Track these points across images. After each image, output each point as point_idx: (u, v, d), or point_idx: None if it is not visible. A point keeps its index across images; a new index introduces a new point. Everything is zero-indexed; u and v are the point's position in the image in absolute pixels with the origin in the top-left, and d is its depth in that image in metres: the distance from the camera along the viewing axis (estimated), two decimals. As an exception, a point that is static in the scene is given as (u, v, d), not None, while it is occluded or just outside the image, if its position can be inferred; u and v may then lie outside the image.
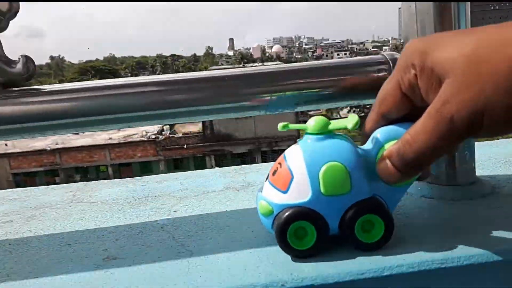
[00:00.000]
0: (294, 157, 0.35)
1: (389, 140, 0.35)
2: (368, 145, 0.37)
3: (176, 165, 17.26)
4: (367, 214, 0.34)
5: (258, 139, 17.26)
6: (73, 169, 16.20)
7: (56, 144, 15.02)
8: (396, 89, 0.34)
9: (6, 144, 13.71)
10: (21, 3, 0.38)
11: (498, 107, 0.27)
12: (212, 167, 16.08)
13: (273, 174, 0.36)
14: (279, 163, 0.36)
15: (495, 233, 0.36)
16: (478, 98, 0.28)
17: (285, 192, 0.35)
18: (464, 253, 0.33)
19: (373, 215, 0.35)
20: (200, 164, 17.15)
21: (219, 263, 0.35)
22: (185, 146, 17.19)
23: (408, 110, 0.35)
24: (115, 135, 17.06)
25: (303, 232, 0.35)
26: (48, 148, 14.88)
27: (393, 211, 0.36)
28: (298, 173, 0.35)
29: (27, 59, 0.40)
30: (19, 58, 0.40)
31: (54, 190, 0.59)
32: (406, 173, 0.33)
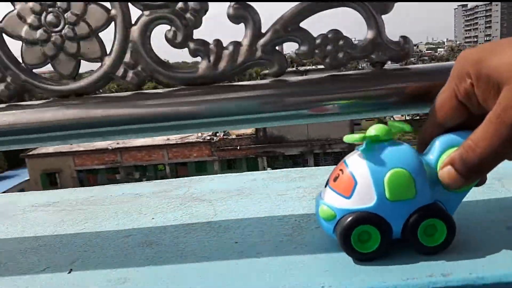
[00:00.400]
0: (357, 163, 0.37)
1: (448, 148, 0.36)
2: (427, 153, 0.37)
3: (230, 165, 17.55)
4: (430, 218, 0.35)
5: (311, 141, 17.15)
6: (133, 167, 16.97)
7: (117, 143, 15.76)
8: (452, 98, 0.35)
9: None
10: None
11: None
12: (264, 168, 16.19)
13: (334, 180, 0.38)
14: (341, 170, 0.38)
15: None
16: None
17: (348, 197, 0.36)
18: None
19: (436, 219, 0.35)
20: (252, 165, 17.32)
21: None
22: (238, 147, 17.45)
23: (464, 118, 0.36)
24: (172, 136, 17.62)
25: (367, 236, 0.36)
26: (110, 147, 15.65)
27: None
28: (362, 179, 0.36)
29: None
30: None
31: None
32: (469, 178, 0.34)
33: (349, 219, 0.36)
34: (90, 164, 15.59)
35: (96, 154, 15.66)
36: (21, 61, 0.42)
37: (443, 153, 0.36)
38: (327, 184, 0.39)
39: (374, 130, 0.37)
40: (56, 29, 0.41)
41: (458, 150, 0.34)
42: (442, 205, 0.37)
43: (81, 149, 15.35)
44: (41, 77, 0.42)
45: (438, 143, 0.37)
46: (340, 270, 0.35)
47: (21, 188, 15.13)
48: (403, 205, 0.35)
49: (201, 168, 17.11)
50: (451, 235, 0.36)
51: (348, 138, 0.36)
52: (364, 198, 0.36)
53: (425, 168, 0.36)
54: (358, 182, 0.36)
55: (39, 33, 0.41)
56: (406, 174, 0.35)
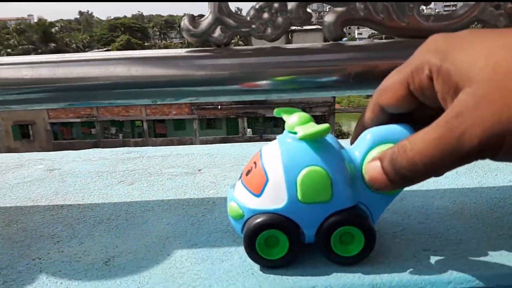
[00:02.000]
0: (271, 157, 0.32)
1: (379, 143, 0.31)
2: (354, 147, 0.32)
3: (209, 125, 17.38)
4: (346, 225, 0.31)
5: (292, 104, 17.09)
6: (110, 122, 16.62)
7: (94, 96, 15.37)
8: (402, 85, 0.30)
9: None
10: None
11: None
12: (244, 129, 16.14)
13: (247, 174, 0.33)
14: (254, 162, 0.33)
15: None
16: (500, 117, 0.23)
17: (258, 195, 0.31)
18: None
19: (353, 227, 0.31)
20: (232, 126, 17.22)
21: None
22: (219, 107, 17.24)
23: (412, 108, 0.30)
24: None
25: (275, 240, 0.31)
26: (86, 100, 15.24)
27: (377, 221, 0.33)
28: (273, 176, 0.31)
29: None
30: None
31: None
32: (395, 183, 0.28)
33: (255, 222, 0.31)
34: (64, 117, 15.20)
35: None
36: None
37: (372, 149, 0.31)
38: (240, 177, 0.34)
39: (296, 117, 0.32)
40: None
41: (392, 148, 0.29)
42: (365, 208, 0.32)
43: (56, 100, 14.92)
44: None
45: (369, 136, 0.32)
46: (242, 278, 0.31)
47: (-8, 138, 14.73)
48: (317, 209, 0.31)
49: (180, 127, 16.91)
50: (369, 246, 0.31)
51: (304, 134, 0.29)
52: (274, 198, 0.31)
53: (347, 166, 0.31)
54: (270, 179, 0.31)
55: None
56: (322, 173, 0.30)
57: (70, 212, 0.42)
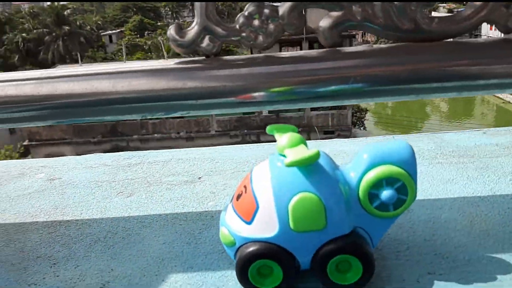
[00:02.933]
0: (261, 181, 0.30)
1: (378, 164, 0.29)
2: (352, 166, 0.30)
3: (225, 103, 17.33)
4: (342, 254, 0.29)
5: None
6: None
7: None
8: None
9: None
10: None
11: None
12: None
13: (237, 198, 0.31)
14: (245, 186, 0.31)
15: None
16: None
17: (249, 223, 0.30)
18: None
19: (350, 255, 0.29)
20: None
21: None
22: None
23: None
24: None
25: (268, 269, 0.30)
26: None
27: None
28: (264, 203, 0.29)
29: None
30: None
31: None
32: None
33: (246, 251, 0.30)
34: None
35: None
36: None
37: (369, 170, 0.29)
38: (231, 200, 0.33)
39: (286, 139, 0.30)
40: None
41: None
42: (363, 233, 0.30)
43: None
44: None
45: (366, 156, 0.30)
46: (236, 308, 0.30)
47: None
48: (311, 237, 0.29)
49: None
50: (368, 275, 0.30)
51: (291, 162, 0.28)
52: (265, 226, 0.29)
53: (342, 189, 0.29)
54: (260, 206, 0.30)
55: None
56: (314, 200, 0.28)
57: (68, 229, 0.42)
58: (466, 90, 0.37)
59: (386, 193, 0.29)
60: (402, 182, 0.29)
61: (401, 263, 0.33)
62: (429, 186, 0.44)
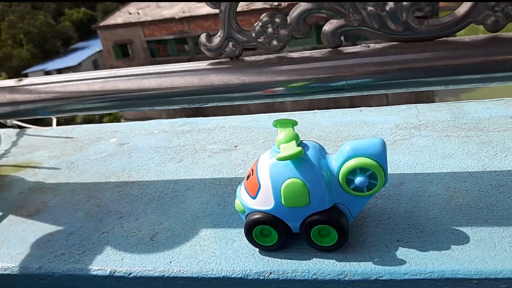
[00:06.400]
0: (263, 168, 0.39)
1: (355, 155, 0.37)
2: (336, 156, 0.39)
3: (297, 34, 16.91)
4: (322, 224, 0.38)
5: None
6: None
7: (183, 12, 15.63)
8: None
9: (138, 13, 14.65)
10: None
11: None
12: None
13: (247, 178, 0.41)
14: (252, 170, 0.41)
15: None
16: None
17: (254, 197, 0.40)
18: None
19: (328, 226, 0.38)
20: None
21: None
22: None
23: None
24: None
25: (268, 232, 0.40)
26: (177, 17, 15.62)
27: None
28: (264, 184, 0.39)
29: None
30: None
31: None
32: None
33: (251, 218, 0.40)
34: (159, 35, 15.85)
35: (164, 24, 15.77)
36: None
37: (347, 160, 0.37)
38: (244, 178, 0.43)
39: (282, 135, 0.39)
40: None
41: None
42: (343, 207, 0.39)
43: (149, 18, 15.46)
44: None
45: (347, 147, 0.38)
46: (244, 258, 0.41)
47: (95, 58, 15.99)
48: (298, 211, 0.39)
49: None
50: (342, 240, 0.39)
51: (279, 158, 0.37)
52: (265, 201, 0.39)
53: (324, 175, 0.38)
54: (261, 186, 0.39)
55: None
56: (300, 184, 0.37)
57: (132, 189, 0.55)
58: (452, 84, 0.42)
59: (359, 179, 0.37)
60: (372, 171, 0.37)
61: (378, 231, 0.41)
62: (427, 160, 0.50)
